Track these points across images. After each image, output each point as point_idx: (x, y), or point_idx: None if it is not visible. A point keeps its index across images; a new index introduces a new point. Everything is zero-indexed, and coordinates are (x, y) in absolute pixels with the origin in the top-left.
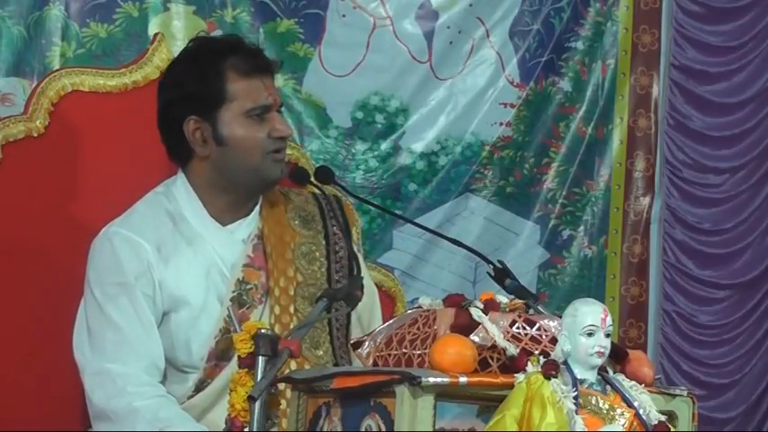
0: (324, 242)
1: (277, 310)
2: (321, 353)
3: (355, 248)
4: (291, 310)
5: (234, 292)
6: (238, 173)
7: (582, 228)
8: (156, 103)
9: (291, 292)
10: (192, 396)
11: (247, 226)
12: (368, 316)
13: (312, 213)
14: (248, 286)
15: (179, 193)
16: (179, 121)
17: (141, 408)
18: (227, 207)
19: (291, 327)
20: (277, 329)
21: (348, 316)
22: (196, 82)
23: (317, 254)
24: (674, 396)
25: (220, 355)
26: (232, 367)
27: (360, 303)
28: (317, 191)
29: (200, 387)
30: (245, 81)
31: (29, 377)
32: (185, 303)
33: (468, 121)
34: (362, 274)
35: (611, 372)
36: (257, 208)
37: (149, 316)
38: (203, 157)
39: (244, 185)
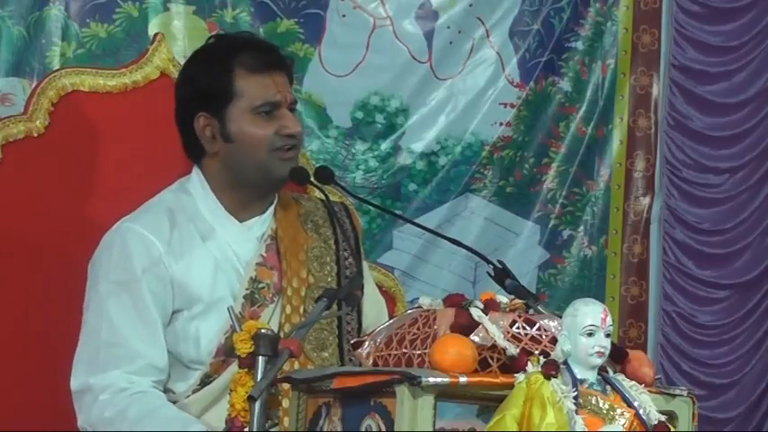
0: (334, 247)
1: (288, 309)
2: (327, 354)
3: (363, 260)
4: (302, 310)
5: (247, 289)
6: (246, 170)
7: (582, 228)
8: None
9: (303, 293)
10: (196, 390)
11: (262, 224)
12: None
13: (322, 219)
14: (260, 285)
15: (194, 189)
16: (191, 118)
17: (112, 416)
18: (240, 203)
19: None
20: (287, 329)
21: (359, 321)
22: (206, 78)
23: (327, 258)
24: (674, 396)
25: (229, 351)
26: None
27: (369, 316)
28: (324, 197)
29: (205, 382)
30: (253, 77)
31: (30, 376)
32: (198, 300)
33: (468, 121)
34: (371, 285)
35: (611, 372)
36: (272, 208)
37: (153, 314)
38: (213, 154)
39: (253, 183)
